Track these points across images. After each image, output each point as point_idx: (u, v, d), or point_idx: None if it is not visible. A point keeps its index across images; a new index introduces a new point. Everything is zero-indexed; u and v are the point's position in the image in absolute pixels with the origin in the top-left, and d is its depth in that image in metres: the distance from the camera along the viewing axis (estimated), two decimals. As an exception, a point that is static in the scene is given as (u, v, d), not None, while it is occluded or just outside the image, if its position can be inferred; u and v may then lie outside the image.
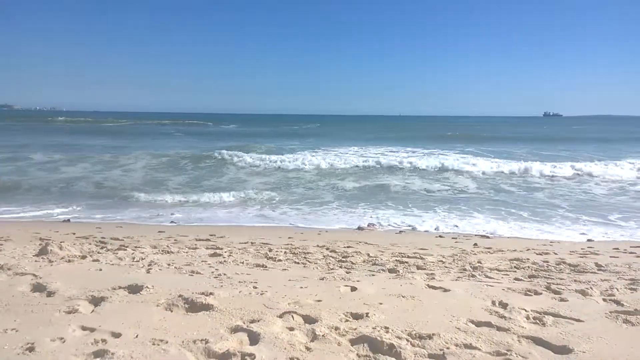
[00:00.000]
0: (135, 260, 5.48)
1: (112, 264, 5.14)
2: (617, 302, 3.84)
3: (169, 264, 5.26)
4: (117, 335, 3.00)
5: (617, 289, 4.24)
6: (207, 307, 3.56)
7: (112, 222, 9.32)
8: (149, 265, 5.13)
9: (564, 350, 2.90)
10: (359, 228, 8.99)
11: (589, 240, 8.09)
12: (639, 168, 17.56)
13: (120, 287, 3.99)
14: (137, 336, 3.00)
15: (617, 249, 7.03)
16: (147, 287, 3.98)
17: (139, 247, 6.49)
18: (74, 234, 7.61)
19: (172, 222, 9.33)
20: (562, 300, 3.95)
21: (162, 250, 6.22)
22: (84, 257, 5.39)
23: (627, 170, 16.79)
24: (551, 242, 7.86)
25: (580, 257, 6.27)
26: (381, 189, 14.22)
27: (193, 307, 3.59)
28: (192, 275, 4.75)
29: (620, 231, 8.90)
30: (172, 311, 3.54)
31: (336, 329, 3.22)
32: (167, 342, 2.91)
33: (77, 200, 11.41)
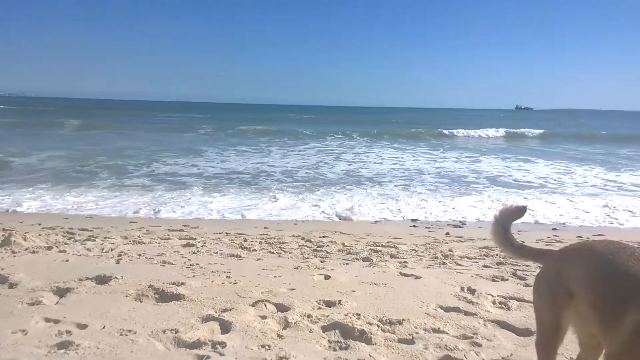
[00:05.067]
0: (104, 251, 5.36)
1: (80, 255, 5.02)
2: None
3: (139, 255, 5.17)
4: (82, 326, 2.94)
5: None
6: (178, 297, 3.53)
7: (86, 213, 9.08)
8: (118, 256, 5.03)
9: (526, 332, 3.00)
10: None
11: (554, 229, 8.33)
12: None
13: (87, 278, 3.91)
14: (104, 327, 2.95)
15: (580, 236, 7.28)
16: (115, 277, 3.91)
17: (108, 237, 6.35)
18: (40, 224, 7.39)
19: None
20: (526, 285, 4.06)
21: (133, 241, 6.10)
22: (49, 248, 5.25)
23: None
24: (518, 231, 8.06)
25: (546, 244, 6.47)
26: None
27: (163, 297, 3.55)
28: (163, 265, 4.69)
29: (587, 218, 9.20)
30: (141, 301, 3.49)
31: (308, 316, 3.23)
32: (135, 333, 2.87)
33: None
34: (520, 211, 2.39)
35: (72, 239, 6.14)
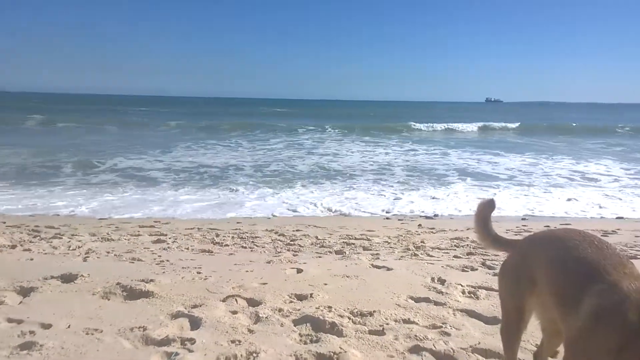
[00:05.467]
0: (71, 248, 5.23)
1: (46, 253, 4.88)
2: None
3: (108, 252, 5.06)
4: (47, 326, 2.86)
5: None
6: (147, 294, 3.46)
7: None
8: (86, 254, 4.91)
9: (493, 320, 3.07)
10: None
11: (523, 219, 8.55)
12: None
13: (52, 277, 3.79)
14: (69, 326, 2.87)
15: (548, 226, 7.48)
16: (82, 275, 3.82)
17: (76, 235, 6.19)
18: (4, 222, 7.14)
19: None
20: (495, 275, 4.15)
21: (102, 238, 5.97)
22: (13, 247, 5.08)
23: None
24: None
25: (515, 234, 6.63)
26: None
27: (132, 294, 3.48)
28: (132, 262, 4.60)
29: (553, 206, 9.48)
30: (109, 299, 3.41)
31: (280, 310, 3.23)
32: (101, 331, 2.81)
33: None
34: (492, 203, 2.45)
35: (38, 237, 5.96)
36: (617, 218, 8.73)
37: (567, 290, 1.74)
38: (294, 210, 9.07)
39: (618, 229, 7.14)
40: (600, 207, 9.59)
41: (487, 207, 2.44)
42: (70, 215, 8.29)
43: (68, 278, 3.80)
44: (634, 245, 5.91)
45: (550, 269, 1.86)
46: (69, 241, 5.68)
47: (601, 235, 6.62)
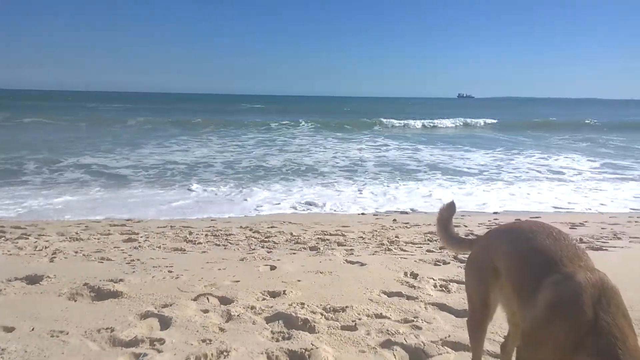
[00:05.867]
0: (37, 249, 5.07)
1: (10, 254, 4.72)
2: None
3: (76, 252, 4.92)
4: (9, 329, 2.77)
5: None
6: (116, 295, 3.39)
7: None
8: (53, 254, 4.77)
9: (463, 313, 3.10)
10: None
11: (495, 212, 8.73)
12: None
13: (16, 279, 3.68)
14: (33, 329, 2.78)
15: (519, 219, 7.66)
16: (48, 276, 3.71)
17: (43, 235, 6.00)
18: (-33, 223, 6.87)
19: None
20: (466, 268, 4.22)
21: (70, 238, 5.81)
22: (-25, 249, 4.89)
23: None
24: (462, 215, 8.38)
25: (487, 228, 6.77)
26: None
27: (100, 295, 3.40)
28: (101, 262, 4.49)
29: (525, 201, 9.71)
30: (75, 301, 3.33)
31: (252, 308, 3.20)
32: (67, 333, 2.73)
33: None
34: (452, 206, 2.49)
35: (3, 238, 5.76)
36: (585, 211, 9.00)
37: (524, 280, 1.77)
38: (269, 207, 9.01)
39: (585, 222, 7.37)
40: (571, 201, 9.86)
41: (447, 210, 2.48)
42: (36, 214, 8.03)
43: (33, 279, 3.69)
44: (600, 237, 6.11)
45: (509, 260, 1.90)
46: (36, 241, 5.50)
47: (569, 228, 6.86)
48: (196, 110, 46.93)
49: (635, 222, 7.45)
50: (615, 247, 5.41)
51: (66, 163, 13.36)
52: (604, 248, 5.34)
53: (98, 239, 5.79)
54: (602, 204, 9.44)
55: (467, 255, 4.44)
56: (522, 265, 1.82)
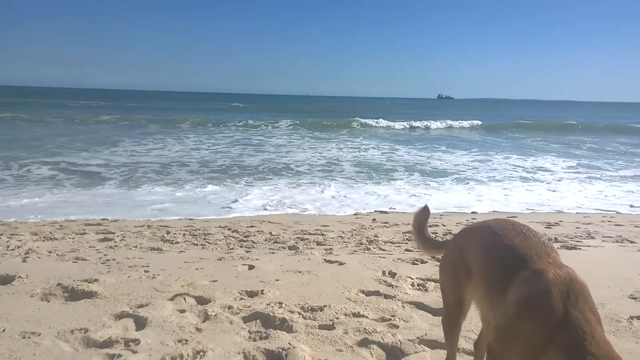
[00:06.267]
0: (9, 249, 4.95)
1: (-20, 255, 4.59)
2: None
3: (50, 252, 4.82)
4: (-22, 331, 2.69)
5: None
6: (90, 295, 3.33)
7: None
8: (25, 254, 4.66)
9: (440, 312, 3.14)
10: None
11: (473, 212, 8.87)
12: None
13: (-13, 279, 3.57)
14: (3, 330, 2.72)
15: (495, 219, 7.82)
16: (20, 277, 3.63)
17: (16, 234, 5.85)
18: None
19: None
20: (443, 267, 4.28)
21: (44, 237, 5.68)
22: (-57, 248, 4.74)
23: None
24: (441, 215, 8.49)
25: (465, 228, 6.88)
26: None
27: (73, 295, 3.33)
28: (76, 262, 4.41)
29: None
30: (48, 301, 3.26)
31: (229, 307, 3.18)
32: (39, 334, 2.67)
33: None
34: (426, 210, 2.53)
35: (-27, 238, 5.59)
36: (560, 210, 9.21)
37: (495, 277, 1.81)
38: (246, 206, 8.95)
39: (561, 221, 7.54)
40: (547, 202, 10.08)
41: (421, 215, 2.52)
42: (9, 213, 7.82)
43: (5, 280, 3.60)
44: (574, 236, 6.25)
45: (480, 257, 1.93)
46: (8, 241, 5.36)
47: (545, 227, 7.01)
48: (172, 108, 46.38)
49: (609, 221, 7.66)
50: (589, 246, 5.55)
51: (38, 161, 13.03)
52: (578, 247, 5.47)
53: (73, 239, 5.68)
54: (577, 205, 9.67)
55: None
56: (492, 263, 1.85)
